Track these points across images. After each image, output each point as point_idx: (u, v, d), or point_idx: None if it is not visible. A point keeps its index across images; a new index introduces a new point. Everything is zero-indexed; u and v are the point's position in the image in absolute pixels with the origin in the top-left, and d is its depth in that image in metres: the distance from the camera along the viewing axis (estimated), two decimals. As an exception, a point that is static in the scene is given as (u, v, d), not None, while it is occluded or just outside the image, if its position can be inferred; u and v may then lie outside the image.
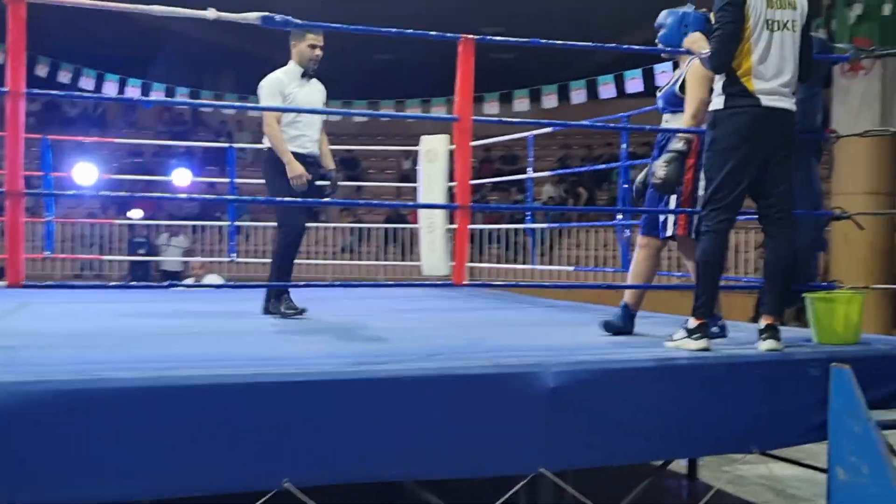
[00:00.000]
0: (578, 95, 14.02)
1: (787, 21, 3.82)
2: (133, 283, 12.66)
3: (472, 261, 9.75)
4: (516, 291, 8.31)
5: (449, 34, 3.97)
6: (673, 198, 4.31)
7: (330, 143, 5.44)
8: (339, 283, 10.01)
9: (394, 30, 4.01)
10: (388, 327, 4.80)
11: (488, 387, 3.20)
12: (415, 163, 19.14)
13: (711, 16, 4.02)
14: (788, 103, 3.85)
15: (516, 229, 15.11)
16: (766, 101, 3.79)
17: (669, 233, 4.35)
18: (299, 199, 4.92)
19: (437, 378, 3.17)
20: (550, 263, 14.71)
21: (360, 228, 16.46)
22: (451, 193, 8.63)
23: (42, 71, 13.45)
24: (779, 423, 3.66)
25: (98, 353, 3.55)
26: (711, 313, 3.86)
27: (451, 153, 8.51)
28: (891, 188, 12.58)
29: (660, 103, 4.53)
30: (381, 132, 20.34)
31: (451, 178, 8.58)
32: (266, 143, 5.16)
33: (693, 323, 3.80)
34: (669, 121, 4.46)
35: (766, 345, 3.80)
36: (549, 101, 14.40)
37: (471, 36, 3.90)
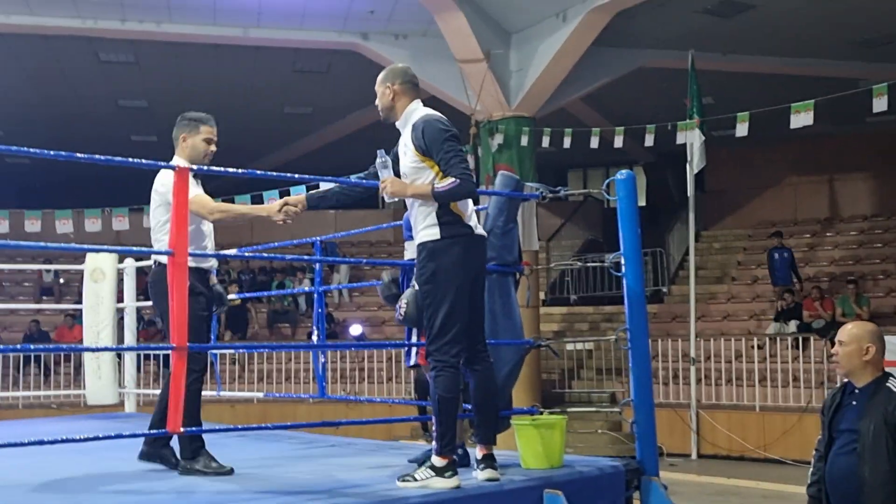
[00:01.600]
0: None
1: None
2: None
3: (140, 386, 9.09)
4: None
5: (162, 163, 3.74)
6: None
7: None
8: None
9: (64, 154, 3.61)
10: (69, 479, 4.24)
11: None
12: (57, 275, 17.78)
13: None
14: (483, 231, 4.06)
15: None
16: (476, 229, 3.95)
17: (413, 362, 4.37)
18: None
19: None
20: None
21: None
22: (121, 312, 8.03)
23: None
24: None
25: None
26: (455, 449, 3.82)
27: (119, 272, 7.99)
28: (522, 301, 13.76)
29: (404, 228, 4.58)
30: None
31: (120, 298, 8.04)
32: (156, 258, 4.24)
33: (440, 461, 3.73)
34: (408, 247, 4.51)
35: (485, 474, 3.87)
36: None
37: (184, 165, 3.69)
